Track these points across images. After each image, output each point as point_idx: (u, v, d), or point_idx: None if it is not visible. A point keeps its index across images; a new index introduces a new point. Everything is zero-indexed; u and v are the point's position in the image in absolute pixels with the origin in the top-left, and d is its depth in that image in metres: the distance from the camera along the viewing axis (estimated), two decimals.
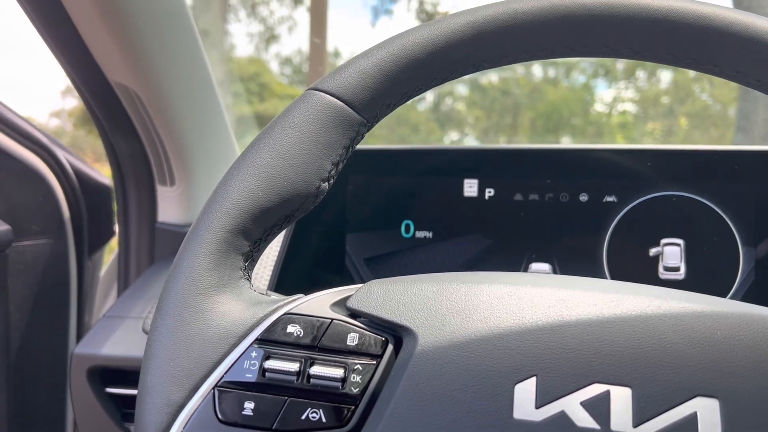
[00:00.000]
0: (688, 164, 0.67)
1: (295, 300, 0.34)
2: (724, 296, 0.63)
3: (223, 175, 0.36)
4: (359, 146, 0.68)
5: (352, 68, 0.37)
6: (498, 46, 0.37)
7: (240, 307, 0.34)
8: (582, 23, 0.36)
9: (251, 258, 0.36)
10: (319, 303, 0.34)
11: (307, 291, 0.36)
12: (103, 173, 0.98)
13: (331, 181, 0.37)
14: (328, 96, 0.37)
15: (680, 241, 0.67)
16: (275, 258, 0.74)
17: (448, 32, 0.37)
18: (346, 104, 0.37)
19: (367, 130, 0.39)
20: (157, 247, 0.92)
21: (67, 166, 0.87)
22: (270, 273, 0.73)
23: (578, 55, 0.38)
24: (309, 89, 0.37)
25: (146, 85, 0.78)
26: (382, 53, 0.37)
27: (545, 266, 0.69)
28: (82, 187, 0.90)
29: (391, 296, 0.33)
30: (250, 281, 0.36)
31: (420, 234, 0.73)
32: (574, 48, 0.37)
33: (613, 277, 0.68)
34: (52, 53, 0.76)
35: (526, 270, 0.70)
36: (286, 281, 0.74)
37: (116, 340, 0.74)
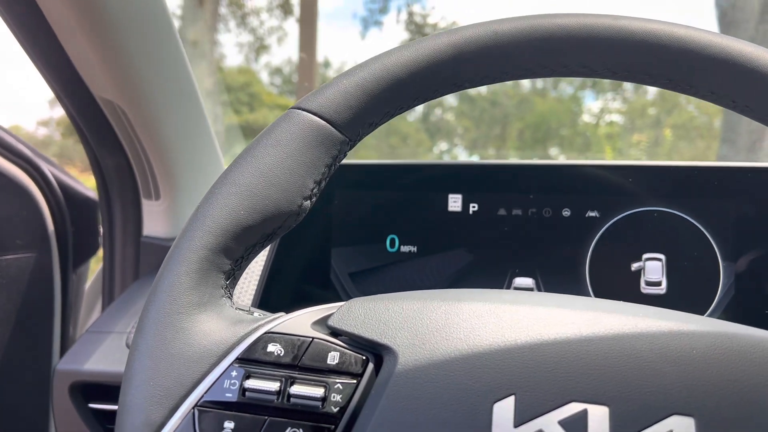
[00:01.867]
0: (670, 180, 0.68)
1: (276, 318, 0.34)
2: (705, 310, 0.64)
3: (206, 194, 0.36)
4: (345, 161, 0.68)
5: (334, 87, 0.37)
6: (478, 67, 0.38)
7: (221, 326, 0.33)
8: (561, 44, 0.37)
9: (233, 276, 0.36)
10: (300, 321, 0.34)
11: (291, 305, 0.36)
12: (89, 184, 0.97)
13: (314, 199, 0.38)
14: (310, 115, 0.37)
15: (661, 256, 0.67)
16: (260, 272, 0.74)
17: (429, 53, 0.37)
18: (328, 123, 0.37)
19: (350, 148, 0.39)
20: (142, 261, 0.91)
21: (52, 180, 0.87)
22: (255, 287, 0.73)
23: (556, 75, 0.39)
24: (291, 108, 0.38)
25: (131, 100, 0.78)
26: (364, 73, 0.37)
27: (528, 281, 0.70)
28: (66, 201, 0.89)
29: (371, 314, 0.33)
30: (231, 299, 0.36)
31: (405, 248, 0.73)
32: (552, 68, 0.38)
33: (595, 292, 0.69)
34: (36, 68, 0.76)
35: (509, 284, 0.70)
36: (271, 296, 0.74)
37: (99, 355, 0.73)
